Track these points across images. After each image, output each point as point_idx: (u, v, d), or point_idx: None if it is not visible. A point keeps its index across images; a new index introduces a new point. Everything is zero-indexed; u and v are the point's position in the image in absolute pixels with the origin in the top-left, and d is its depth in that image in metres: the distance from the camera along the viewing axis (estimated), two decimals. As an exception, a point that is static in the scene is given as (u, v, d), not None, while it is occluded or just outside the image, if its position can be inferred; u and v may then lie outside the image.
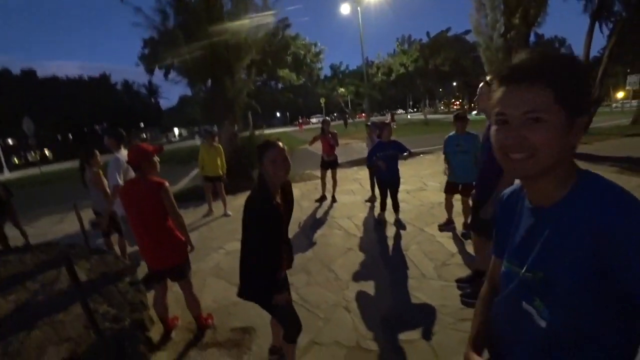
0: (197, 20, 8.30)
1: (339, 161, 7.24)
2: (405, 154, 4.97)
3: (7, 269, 3.66)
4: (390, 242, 4.60)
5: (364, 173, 9.31)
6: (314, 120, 49.08)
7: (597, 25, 14.00)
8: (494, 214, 2.64)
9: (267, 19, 9.56)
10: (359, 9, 21.25)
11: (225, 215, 6.48)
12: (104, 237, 4.34)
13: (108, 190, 4.26)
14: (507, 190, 1.00)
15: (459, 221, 4.86)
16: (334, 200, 6.84)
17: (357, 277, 3.72)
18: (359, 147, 15.54)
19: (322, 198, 6.95)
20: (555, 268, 0.73)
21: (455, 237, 4.55)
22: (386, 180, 5.06)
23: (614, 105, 34.16)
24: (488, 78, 2.67)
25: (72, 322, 2.55)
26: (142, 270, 3.85)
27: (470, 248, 4.20)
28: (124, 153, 3.77)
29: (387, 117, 30.37)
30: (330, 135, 6.64)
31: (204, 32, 8.15)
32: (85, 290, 2.51)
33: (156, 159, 2.56)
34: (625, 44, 13.20)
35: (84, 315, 2.41)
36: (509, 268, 0.89)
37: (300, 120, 50.51)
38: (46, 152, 42.58)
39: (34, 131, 19.72)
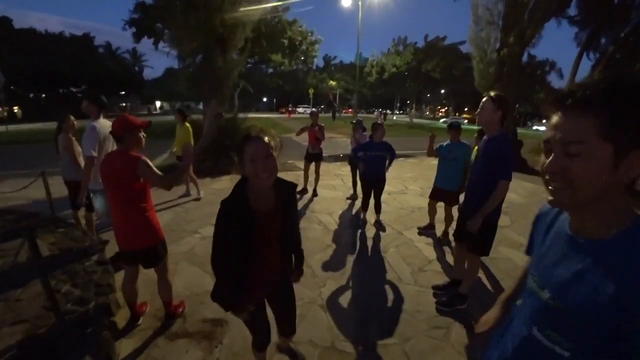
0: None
1: (324, 154, 7.14)
2: (388, 165, 4.99)
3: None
4: (370, 243, 4.60)
5: (346, 169, 9.28)
6: (300, 109, 48.59)
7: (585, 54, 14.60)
8: (482, 228, 2.68)
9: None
10: (360, 3, 21.03)
11: (197, 198, 6.26)
12: (73, 209, 4.06)
13: (80, 159, 4.00)
14: (548, 206, 0.97)
15: (439, 227, 4.92)
16: (314, 194, 6.77)
17: (335, 275, 3.68)
18: (344, 142, 15.51)
19: (303, 191, 6.86)
20: (577, 303, 0.70)
21: (434, 244, 4.62)
22: (371, 180, 5.02)
23: None
24: (492, 93, 2.64)
25: (31, 301, 2.37)
26: (112, 249, 3.66)
27: (448, 256, 4.26)
28: (102, 122, 3.47)
29: (377, 116, 30.44)
30: (317, 128, 6.54)
31: (201, 2, 7.76)
32: (47, 266, 2.33)
33: (142, 134, 2.39)
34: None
35: (44, 295, 2.24)
36: (530, 284, 0.88)
37: (290, 108, 49.79)
38: (15, 109, 40.09)
39: (3, 85, 18.45)
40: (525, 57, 13.69)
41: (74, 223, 3.84)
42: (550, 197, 0.73)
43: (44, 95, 43.61)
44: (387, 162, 4.96)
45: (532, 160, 12.12)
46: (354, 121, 6.56)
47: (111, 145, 3.57)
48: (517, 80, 12.06)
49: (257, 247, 1.52)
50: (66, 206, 4.91)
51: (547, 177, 0.72)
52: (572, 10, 14.07)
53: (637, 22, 12.52)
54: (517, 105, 13.33)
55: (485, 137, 2.78)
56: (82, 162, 3.97)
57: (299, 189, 6.91)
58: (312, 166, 6.74)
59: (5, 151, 12.50)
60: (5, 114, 27.47)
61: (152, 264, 2.52)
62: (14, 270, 2.74)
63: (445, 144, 4.61)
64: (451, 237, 4.62)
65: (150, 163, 2.35)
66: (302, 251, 1.91)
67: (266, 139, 1.40)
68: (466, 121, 40.27)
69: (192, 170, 6.32)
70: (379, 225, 5.13)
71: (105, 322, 2.31)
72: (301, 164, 7.02)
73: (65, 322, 2.13)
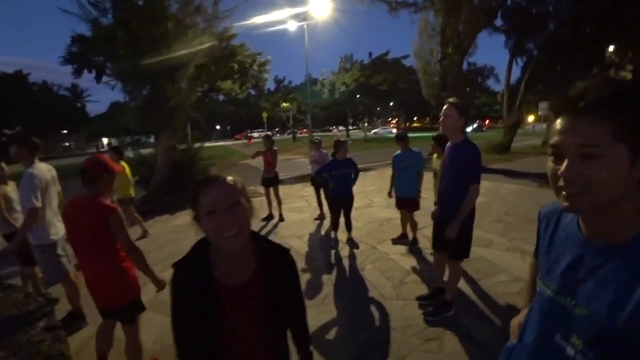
0: (140, 20, 7.57)
1: (283, 177, 7.04)
2: (354, 181, 5.02)
3: None
4: (345, 262, 4.50)
5: (309, 189, 9.19)
6: (255, 134, 48.30)
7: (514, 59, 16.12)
8: (460, 233, 2.69)
9: (214, 26, 9.18)
10: (305, 26, 21.57)
11: (143, 236, 5.74)
12: (21, 265, 3.54)
13: (15, 207, 3.53)
14: (550, 207, 0.95)
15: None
16: (281, 219, 6.56)
17: (316, 301, 3.51)
18: (302, 162, 15.53)
19: (269, 217, 6.65)
20: (604, 309, 0.67)
21: (408, 253, 4.63)
22: (340, 198, 4.97)
23: (527, 127, 39.26)
24: (452, 100, 2.73)
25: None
26: (62, 308, 3.23)
27: (423, 263, 4.27)
28: (39, 166, 3.07)
29: (336, 134, 30.90)
30: (269, 153, 6.42)
31: (146, 33, 7.48)
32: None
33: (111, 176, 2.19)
34: (536, 77, 15.38)
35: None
36: (544, 290, 0.84)
37: (249, 133, 49.09)
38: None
39: None
40: (465, 65, 14.87)
41: (13, 285, 3.35)
42: (565, 203, 0.69)
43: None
44: (353, 178, 4.96)
45: (484, 160, 12.88)
46: (315, 140, 6.54)
47: (54, 191, 3.21)
48: (461, 86, 12.93)
49: (226, 340, 1.03)
50: (2, 265, 4.34)
51: (560, 183, 0.69)
52: (500, 21, 15.50)
53: (554, 29, 14.07)
54: None
55: (449, 144, 2.85)
56: (17, 215, 3.51)
57: (264, 215, 6.68)
58: (272, 191, 6.59)
59: None
60: None
61: (127, 323, 2.24)
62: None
63: (397, 153, 4.82)
64: (421, 245, 4.72)
65: (124, 219, 2.11)
66: (309, 347, 1.27)
67: (229, 178, 1.00)
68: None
69: (134, 211, 5.84)
70: (352, 243, 5.05)
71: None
72: (263, 190, 6.83)
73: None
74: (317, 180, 6.06)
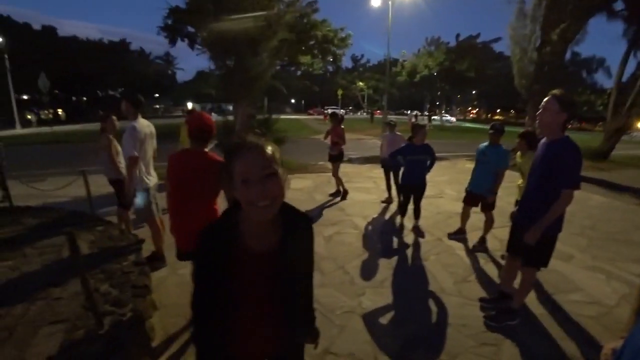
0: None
1: (353, 156, 6.97)
2: (429, 169, 4.79)
3: (5, 231, 3.46)
4: (408, 250, 4.37)
5: (378, 171, 9.04)
6: (329, 111, 48.52)
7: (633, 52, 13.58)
8: (541, 240, 2.42)
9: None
10: (390, 2, 20.63)
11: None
12: (118, 207, 4.12)
13: (119, 159, 4.04)
14: None
15: (472, 233, 4.72)
16: (342, 196, 6.58)
17: (374, 283, 3.49)
18: (374, 143, 15.24)
19: (336, 192, 6.73)
20: None
21: (474, 252, 4.36)
22: (412, 185, 4.77)
23: (633, 134, 33.78)
24: (555, 91, 2.40)
25: (70, 300, 2.34)
26: (148, 248, 3.65)
27: (488, 265, 3.98)
28: (141, 121, 3.46)
29: (410, 119, 29.48)
30: (334, 131, 6.38)
31: (233, 4, 7.81)
32: (86, 265, 2.28)
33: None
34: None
35: (83, 294, 2.21)
36: None
37: (324, 110, 49.03)
38: (59, 111, 42.65)
39: (48, 89, 19.53)
40: (568, 55, 12.84)
41: (111, 222, 3.88)
42: None
43: (84, 99, 46.08)
44: (428, 165, 4.71)
45: (589, 165, 11.32)
46: (390, 122, 6.33)
47: (150, 145, 3.57)
48: (559, 79, 11.29)
49: (244, 303, 1.04)
50: (105, 204, 5.04)
51: None
52: (620, 4, 13.08)
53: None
54: None
55: (543, 140, 2.55)
56: (120, 162, 4.02)
57: (332, 191, 6.77)
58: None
59: (51, 150, 13.17)
60: (51, 116, 29.17)
61: None
62: (54, 267, 2.75)
63: (482, 145, 4.42)
64: (489, 245, 4.38)
65: None
66: (313, 313, 1.35)
67: (267, 147, 0.96)
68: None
69: None
70: (418, 231, 4.88)
71: (141, 328, 2.24)
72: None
73: (103, 325, 2.07)
74: (388, 163, 5.88)
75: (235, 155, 0.95)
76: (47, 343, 1.94)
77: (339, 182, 6.65)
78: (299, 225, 1.10)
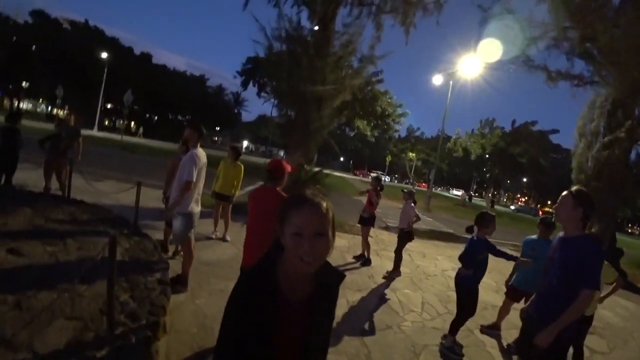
0: (306, 52, 8.71)
1: (392, 224, 6.77)
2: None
3: (57, 217, 3.71)
4: (435, 335, 3.96)
5: (415, 245, 8.67)
6: (373, 174, 49.07)
7: None
8: (554, 343, 2.11)
9: (365, 67, 9.84)
10: (451, 82, 21.36)
11: (224, 239, 5.82)
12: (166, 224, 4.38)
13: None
14: None
15: (509, 331, 4.26)
16: (366, 261, 6.29)
17: (392, 366, 3.17)
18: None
19: (361, 256, 6.46)
20: None
21: (509, 352, 3.89)
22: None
23: None
24: (574, 189, 2.36)
25: (91, 299, 2.38)
26: (173, 271, 3.68)
27: None
28: (200, 150, 3.63)
29: (463, 198, 27.58)
30: (374, 193, 6.29)
31: (308, 63, 8.52)
32: (115, 274, 2.34)
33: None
34: None
35: (104, 297, 2.24)
36: None
37: (371, 173, 49.10)
38: (132, 124, 47.51)
39: (130, 104, 22.03)
40: (634, 156, 12.10)
41: (146, 234, 4.02)
42: None
43: (156, 117, 51.13)
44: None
45: (633, 274, 10.11)
46: (406, 190, 6.14)
47: (204, 173, 3.75)
48: (620, 180, 10.54)
49: (273, 351, 0.98)
50: (147, 216, 5.27)
51: None
52: None
53: None
54: (616, 208, 11.55)
55: (560, 234, 2.42)
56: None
57: (357, 253, 6.55)
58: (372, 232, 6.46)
59: (114, 157, 14.40)
60: (124, 126, 32.69)
61: None
62: (87, 263, 2.85)
63: (530, 238, 4.10)
64: None
65: None
66: None
67: (323, 205, 0.97)
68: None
69: (230, 211, 6.01)
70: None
71: (150, 346, 2.19)
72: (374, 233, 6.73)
73: (114, 333, 2.05)
74: (404, 234, 5.81)
75: (294, 205, 0.97)
76: (58, 336, 1.95)
77: (365, 246, 6.41)
78: (332, 281, 1.10)
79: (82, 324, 2.12)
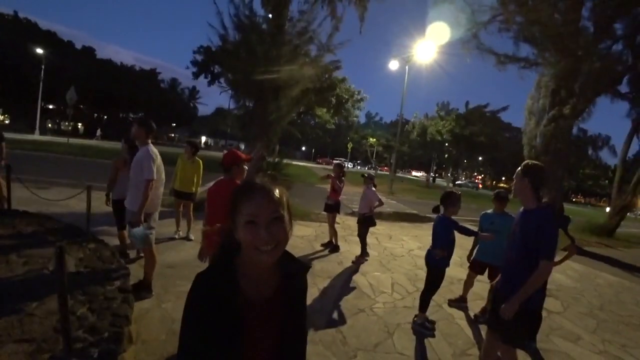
0: (262, 41, 8.46)
1: (356, 210, 6.87)
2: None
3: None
4: (407, 314, 4.10)
5: (381, 228, 8.91)
6: (336, 162, 49.73)
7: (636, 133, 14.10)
8: (519, 314, 2.25)
9: (323, 56, 9.76)
10: (407, 67, 21.87)
11: (187, 238, 5.69)
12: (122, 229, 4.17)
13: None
14: None
15: (475, 302, 4.51)
16: (334, 247, 6.36)
17: (367, 346, 3.24)
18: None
19: (329, 243, 6.53)
20: None
21: (476, 322, 4.12)
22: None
23: (638, 212, 33.92)
24: (522, 163, 2.51)
25: (43, 318, 2.19)
26: (135, 277, 3.50)
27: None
28: (152, 147, 3.44)
29: (427, 179, 28.68)
30: (337, 181, 6.36)
31: (264, 53, 8.29)
32: (68, 284, 2.16)
33: (245, 166, 2.81)
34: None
35: (58, 315, 2.06)
36: None
37: (334, 161, 48.75)
38: (79, 125, 44.14)
39: (74, 103, 20.40)
40: (575, 130, 13.22)
41: (104, 241, 3.77)
42: None
43: (105, 117, 47.86)
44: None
45: (580, 239, 11.15)
46: (366, 175, 6.29)
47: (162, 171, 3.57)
48: (565, 153, 11.50)
49: (244, 356, 0.92)
50: (101, 222, 4.95)
51: None
52: (625, 87, 13.75)
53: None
54: (563, 179, 12.63)
55: (521, 209, 2.54)
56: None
57: (325, 241, 6.60)
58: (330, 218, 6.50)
59: (60, 161, 13.34)
60: (70, 128, 30.29)
61: None
62: (35, 282, 2.62)
63: (487, 212, 4.32)
64: None
65: None
66: None
67: (277, 192, 0.92)
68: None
69: (192, 209, 5.89)
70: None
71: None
72: (338, 220, 6.79)
73: (71, 352, 1.90)
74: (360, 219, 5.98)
75: (243, 195, 0.91)
76: (6, 365, 1.77)
77: (333, 233, 6.48)
78: (297, 273, 1.04)
79: (34, 346, 1.95)
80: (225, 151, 2.96)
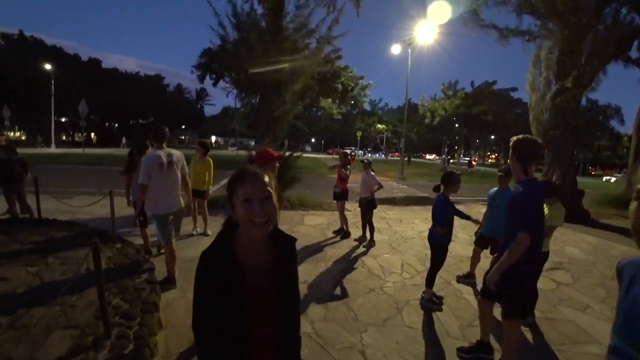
0: (261, 39, 8.63)
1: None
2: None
3: (33, 239, 3.71)
4: (416, 291, 4.30)
5: (392, 212, 9.08)
6: (347, 151, 49.52)
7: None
8: (510, 287, 2.39)
9: (323, 48, 9.85)
10: (409, 51, 21.64)
11: (205, 234, 6.00)
12: (140, 227, 4.51)
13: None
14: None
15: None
16: (347, 234, 6.60)
17: (377, 321, 3.47)
18: (388, 185, 15.32)
19: (340, 230, 6.76)
20: None
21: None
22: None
23: None
24: (515, 138, 2.53)
25: (84, 308, 2.48)
26: (159, 272, 3.78)
27: (496, 311, 3.86)
28: (158, 152, 3.63)
29: (443, 164, 28.51)
30: (343, 169, 6.59)
31: (264, 51, 8.46)
32: (103, 279, 2.44)
33: (277, 164, 2.86)
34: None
35: (96, 304, 2.35)
36: (624, 346, 0.81)
37: (352, 151, 47.04)
38: (92, 135, 45.31)
39: (86, 114, 21.04)
40: (584, 102, 12.73)
41: (128, 241, 4.09)
42: None
43: (116, 125, 48.94)
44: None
45: (595, 212, 11.04)
46: (365, 161, 6.44)
47: (171, 172, 3.77)
48: (574, 126, 11.22)
49: (248, 321, 1.10)
50: (124, 224, 5.28)
51: None
52: (635, 52, 13.17)
53: None
54: (574, 153, 12.19)
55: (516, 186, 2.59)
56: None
57: (336, 228, 6.83)
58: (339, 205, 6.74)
59: (79, 172, 13.91)
60: (84, 138, 31.18)
61: None
62: (73, 277, 2.92)
63: (492, 190, 4.45)
64: None
65: None
66: (300, 337, 1.33)
67: (265, 176, 1.14)
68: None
69: (206, 206, 6.15)
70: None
71: (146, 341, 2.33)
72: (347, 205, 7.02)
73: (111, 335, 2.18)
74: (361, 203, 6.24)
75: (239, 180, 1.11)
76: (58, 345, 2.06)
77: (343, 220, 6.70)
78: (288, 246, 1.25)
79: (79, 331, 2.24)
80: (253, 152, 3.09)
